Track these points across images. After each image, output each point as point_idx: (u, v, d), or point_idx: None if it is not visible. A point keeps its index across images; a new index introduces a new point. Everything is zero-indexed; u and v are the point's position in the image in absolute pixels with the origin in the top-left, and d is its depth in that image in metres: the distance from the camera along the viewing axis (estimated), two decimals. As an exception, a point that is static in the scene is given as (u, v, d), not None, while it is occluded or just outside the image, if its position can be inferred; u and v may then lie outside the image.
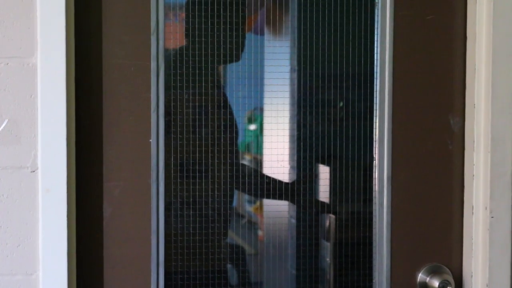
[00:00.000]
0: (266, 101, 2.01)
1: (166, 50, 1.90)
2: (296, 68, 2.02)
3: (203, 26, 1.94)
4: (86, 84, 1.86)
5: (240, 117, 2.01)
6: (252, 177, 2.00)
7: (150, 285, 1.91)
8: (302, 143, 2.02)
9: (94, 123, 1.87)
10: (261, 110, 2.02)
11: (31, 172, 1.79)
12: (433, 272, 2.01)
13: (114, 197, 1.89)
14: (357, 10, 1.99)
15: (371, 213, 2.02)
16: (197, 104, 1.95)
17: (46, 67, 1.78)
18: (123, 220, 1.90)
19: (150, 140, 1.90)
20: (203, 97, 1.96)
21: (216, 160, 1.97)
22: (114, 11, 1.87)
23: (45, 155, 1.79)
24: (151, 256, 1.91)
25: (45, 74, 1.78)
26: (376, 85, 2.00)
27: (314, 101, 2.02)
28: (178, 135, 1.93)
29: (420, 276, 2.02)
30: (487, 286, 1.96)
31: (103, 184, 1.88)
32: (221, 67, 1.99)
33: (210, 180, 1.98)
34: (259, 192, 2.02)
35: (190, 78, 1.95)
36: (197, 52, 1.95)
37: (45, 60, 1.78)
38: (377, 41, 1.99)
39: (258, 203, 2.06)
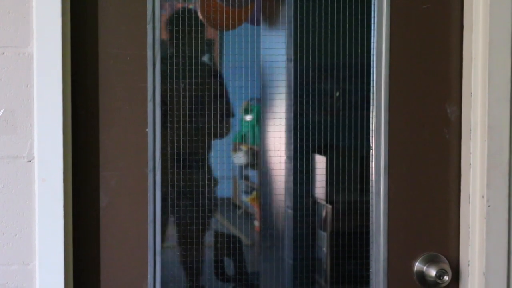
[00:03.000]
0: (263, 91, 2.01)
1: (162, 40, 1.90)
2: (292, 58, 2.01)
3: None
4: (82, 73, 1.86)
5: (237, 107, 2.01)
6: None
7: (147, 274, 1.91)
8: (298, 133, 2.02)
9: (90, 113, 1.86)
10: (258, 100, 2.02)
11: (27, 162, 1.79)
12: (430, 261, 2.01)
13: (110, 187, 1.88)
14: (353, -1, 1.99)
15: (368, 202, 2.02)
16: (193, 93, 1.95)
17: (42, 57, 1.77)
18: (119, 210, 1.89)
19: (147, 130, 1.89)
20: (200, 87, 1.95)
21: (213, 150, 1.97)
22: (110, 0, 1.87)
23: (41, 144, 1.78)
24: (148, 246, 1.90)
25: (41, 63, 1.77)
26: (373, 74, 2.00)
27: (310, 91, 2.02)
28: (175, 125, 1.93)
29: (417, 265, 2.02)
30: (484, 274, 1.96)
31: (100, 174, 1.88)
32: (218, 56, 1.99)
33: (207, 170, 1.98)
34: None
35: (187, 67, 1.94)
36: (193, 41, 1.94)
37: (41, 50, 1.77)
38: (373, 30, 1.99)
39: (254, 193, 2.06)
